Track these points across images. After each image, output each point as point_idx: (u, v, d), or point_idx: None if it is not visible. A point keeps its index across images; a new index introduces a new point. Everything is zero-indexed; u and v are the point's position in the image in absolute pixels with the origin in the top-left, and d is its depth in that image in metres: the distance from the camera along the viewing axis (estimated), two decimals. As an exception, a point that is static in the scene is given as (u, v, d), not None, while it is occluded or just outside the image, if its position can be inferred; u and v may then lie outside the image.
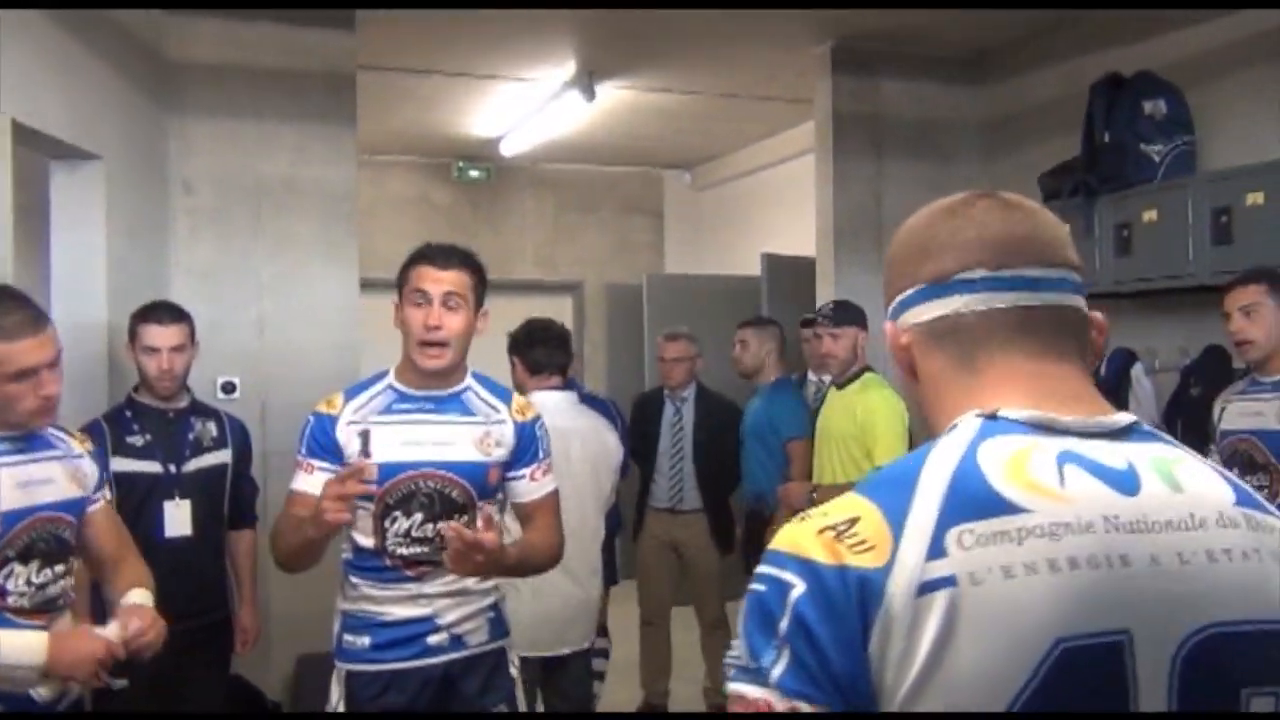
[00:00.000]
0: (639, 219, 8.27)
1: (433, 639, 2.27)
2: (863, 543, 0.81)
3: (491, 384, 2.41)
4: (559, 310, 8.14)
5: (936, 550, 0.79)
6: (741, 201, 7.62)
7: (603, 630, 4.29)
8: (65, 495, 2.10)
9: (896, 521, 0.81)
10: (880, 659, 0.78)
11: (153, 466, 3.09)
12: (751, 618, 0.82)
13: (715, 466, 4.57)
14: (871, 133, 5.15)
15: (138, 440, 3.10)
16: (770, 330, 4.71)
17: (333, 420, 2.28)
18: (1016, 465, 0.83)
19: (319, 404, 2.35)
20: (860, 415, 3.71)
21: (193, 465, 3.19)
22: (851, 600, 0.79)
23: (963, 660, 0.77)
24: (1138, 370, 4.20)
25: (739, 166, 7.51)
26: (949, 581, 0.78)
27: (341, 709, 2.29)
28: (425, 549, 2.23)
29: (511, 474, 2.34)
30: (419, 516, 2.23)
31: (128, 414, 3.16)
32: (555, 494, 2.41)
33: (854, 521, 0.82)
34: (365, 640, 2.28)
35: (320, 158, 4.36)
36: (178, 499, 3.13)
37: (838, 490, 3.83)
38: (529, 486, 2.35)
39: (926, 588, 0.78)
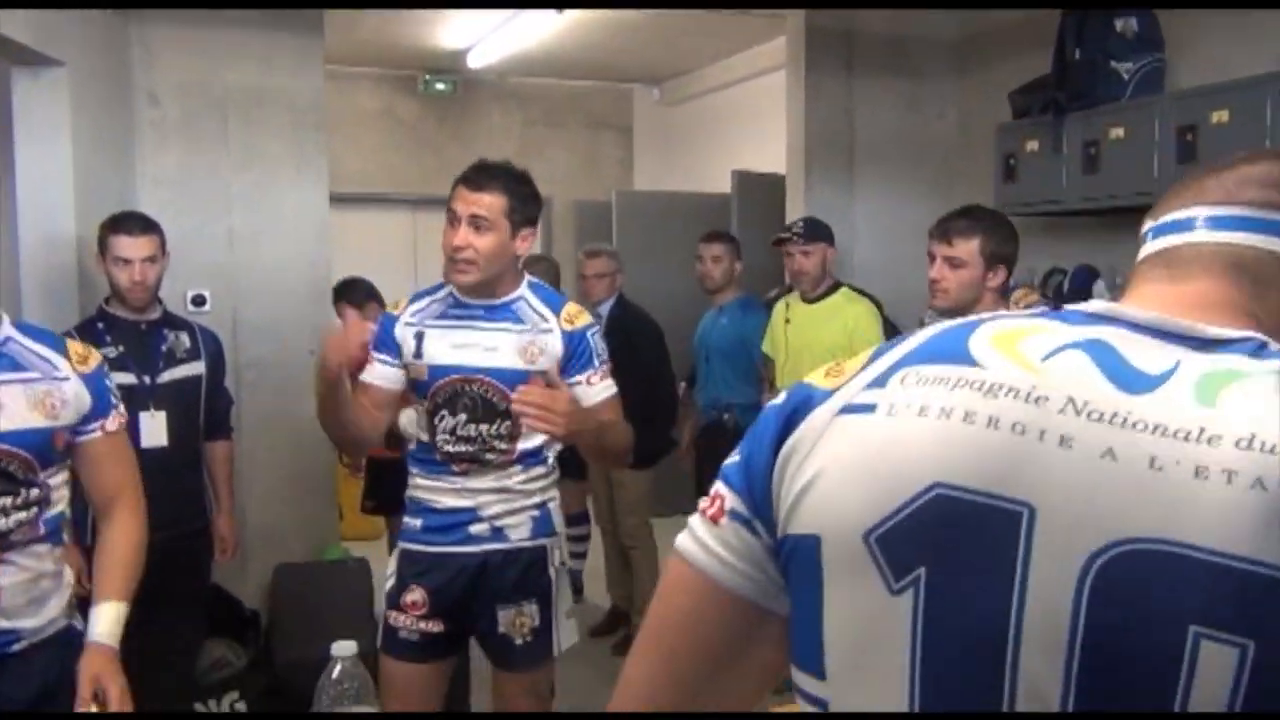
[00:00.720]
0: (608, 134, 8.21)
1: (474, 528, 2.42)
2: (840, 370, 0.84)
3: (546, 292, 2.49)
4: (527, 227, 8.13)
5: (879, 382, 0.80)
6: (712, 118, 7.57)
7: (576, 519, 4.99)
8: (16, 425, 1.83)
9: (874, 357, 0.83)
10: (783, 467, 0.81)
11: (127, 378, 3.09)
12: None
13: (629, 382, 4.43)
14: (843, 49, 5.13)
15: (111, 352, 3.09)
16: (735, 246, 4.79)
17: (394, 319, 2.46)
18: (1010, 337, 0.79)
19: (388, 305, 2.58)
20: (849, 326, 3.85)
21: (167, 376, 3.20)
22: (788, 410, 0.83)
23: (842, 482, 0.78)
24: (1099, 287, 4.29)
25: (709, 82, 7.45)
26: (868, 408, 0.79)
27: (391, 582, 2.49)
28: (470, 447, 2.39)
29: (568, 381, 2.38)
30: (463, 417, 2.37)
31: (100, 326, 3.15)
32: (617, 397, 2.47)
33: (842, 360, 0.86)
34: (418, 523, 2.47)
35: (287, 68, 4.29)
36: (153, 410, 3.15)
37: None
38: (586, 391, 2.39)
39: (847, 409, 0.80)
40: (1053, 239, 4.67)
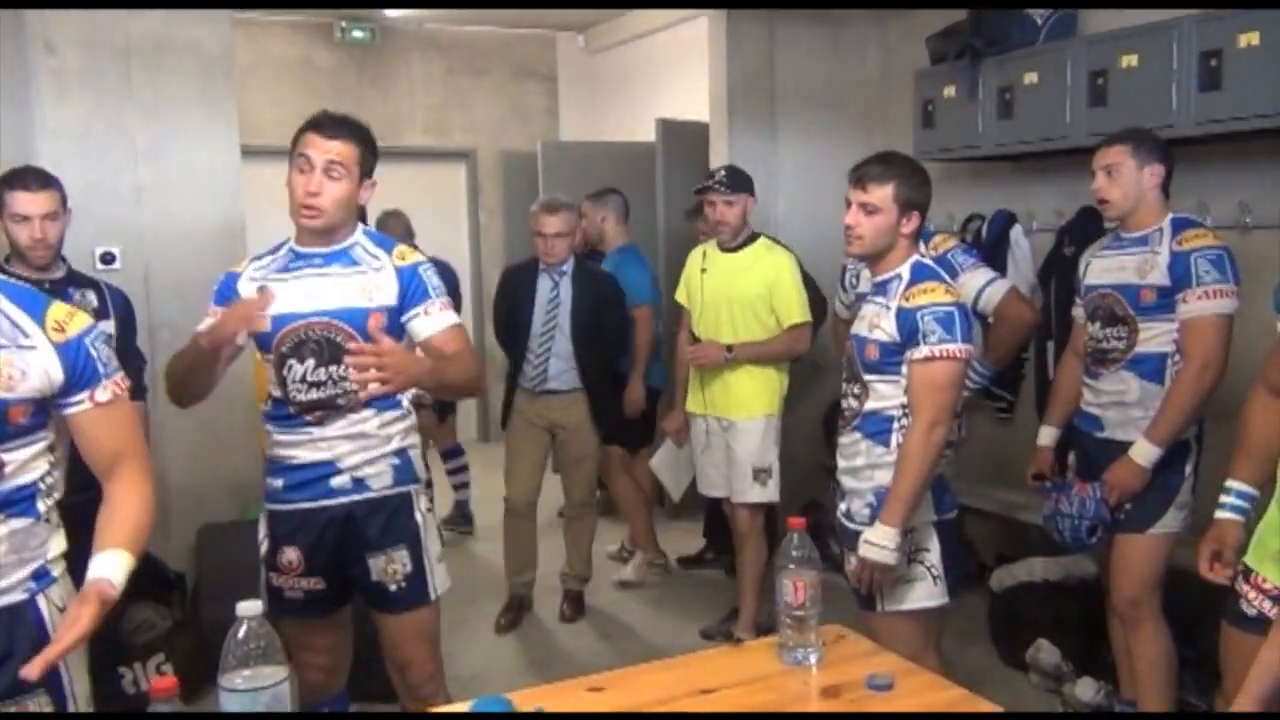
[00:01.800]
0: (532, 83, 8.09)
1: (335, 481, 2.45)
2: None
3: (378, 237, 2.55)
4: (452, 179, 8.01)
5: None
6: (636, 65, 7.50)
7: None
8: None
9: None
10: None
11: (32, 339, 2.99)
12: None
13: (597, 343, 4.37)
14: (764, 7, 5.10)
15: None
16: (607, 200, 4.92)
17: (236, 275, 2.51)
18: None
19: (231, 264, 2.60)
20: (769, 276, 3.91)
21: (74, 337, 3.11)
22: None
23: None
24: (1016, 231, 4.37)
25: (634, 29, 7.37)
26: None
27: (265, 546, 2.52)
28: (321, 393, 2.41)
29: (405, 316, 2.45)
30: (311, 362, 2.40)
31: (1, 286, 3.04)
32: (457, 326, 2.50)
33: None
34: (279, 483, 2.49)
35: (193, 16, 4.15)
36: (61, 371, 3.06)
37: (754, 348, 3.84)
38: (426, 322, 2.45)
39: None
40: (971, 184, 4.74)
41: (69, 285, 3.15)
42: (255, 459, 4.49)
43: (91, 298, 3.19)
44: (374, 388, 2.28)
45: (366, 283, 2.42)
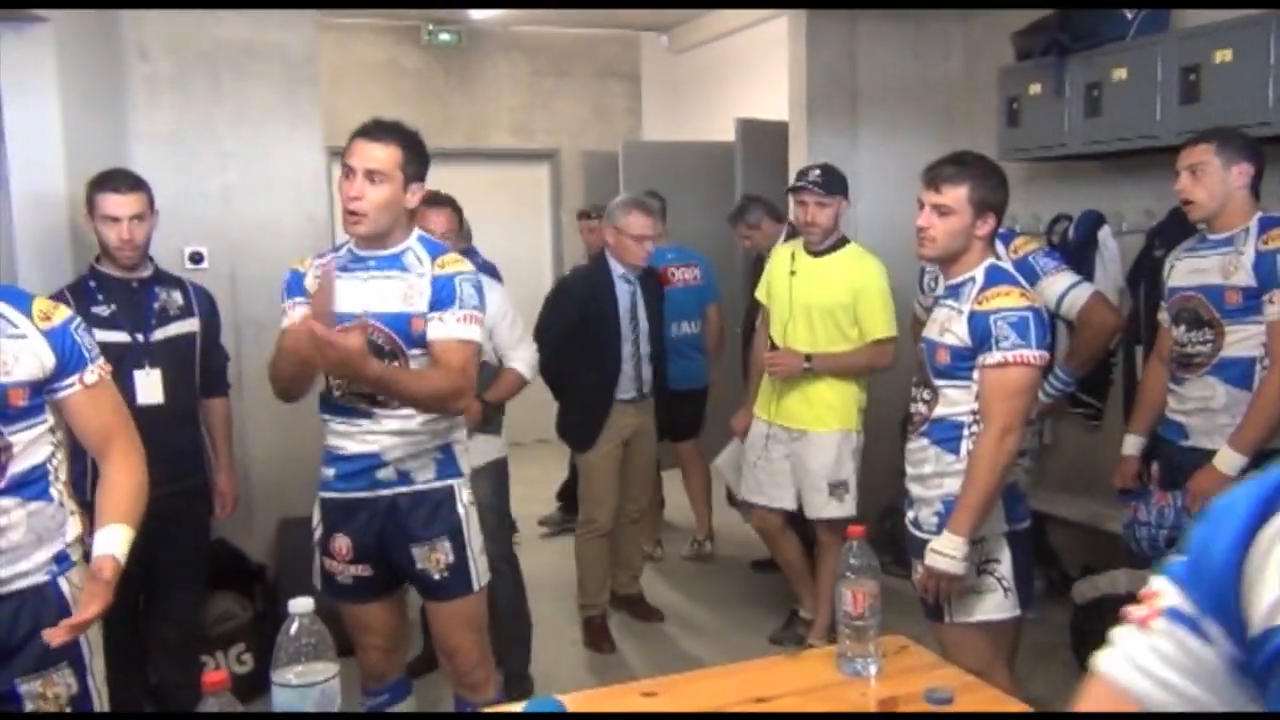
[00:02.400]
0: (616, 84, 8.11)
1: (381, 473, 2.54)
2: None
3: (431, 244, 2.59)
4: (536, 179, 8.09)
5: None
6: (718, 65, 7.47)
7: None
8: None
9: None
10: (1268, 552, 0.65)
11: (120, 336, 3.11)
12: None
13: (659, 347, 4.34)
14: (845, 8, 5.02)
15: (103, 310, 3.11)
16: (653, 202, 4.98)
17: (301, 275, 2.60)
18: None
19: (293, 262, 2.66)
20: (857, 284, 3.75)
21: (160, 334, 3.22)
22: (1267, 491, 0.68)
23: None
24: (1104, 233, 4.23)
25: (715, 28, 7.33)
26: None
27: (319, 534, 2.62)
28: (363, 388, 2.47)
29: (428, 319, 2.50)
30: None
31: (92, 284, 3.16)
32: (464, 342, 2.48)
33: None
34: (331, 472, 2.59)
35: (279, 21, 4.25)
36: (148, 368, 3.17)
37: (834, 360, 3.68)
38: (438, 327, 2.49)
39: None
40: (1057, 184, 4.61)
41: (156, 284, 3.26)
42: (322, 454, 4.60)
43: (177, 296, 3.29)
44: (316, 359, 2.28)
45: (409, 288, 2.49)
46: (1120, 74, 3.88)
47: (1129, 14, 3.92)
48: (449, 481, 2.60)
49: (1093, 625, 3.78)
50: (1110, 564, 3.94)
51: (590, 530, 4.29)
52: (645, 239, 4.07)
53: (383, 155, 2.43)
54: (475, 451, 3.61)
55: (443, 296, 2.48)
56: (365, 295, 2.48)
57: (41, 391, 1.99)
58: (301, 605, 1.53)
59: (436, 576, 2.57)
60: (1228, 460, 2.73)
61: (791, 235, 4.76)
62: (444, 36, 7.54)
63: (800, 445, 3.85)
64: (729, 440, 4.32)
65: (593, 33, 7.94)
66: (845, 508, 3.82)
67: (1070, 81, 4.11)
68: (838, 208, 3.78)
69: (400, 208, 2.48)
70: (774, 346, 3.88)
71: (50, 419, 2.04)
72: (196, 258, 4.12)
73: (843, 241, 3.85)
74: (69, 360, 2.00)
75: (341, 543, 2.57)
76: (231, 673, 3.54)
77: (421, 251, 2.54)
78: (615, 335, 4.12)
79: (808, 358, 3.76)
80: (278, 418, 4.25)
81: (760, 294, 4.07)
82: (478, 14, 7.04)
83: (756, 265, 4.76)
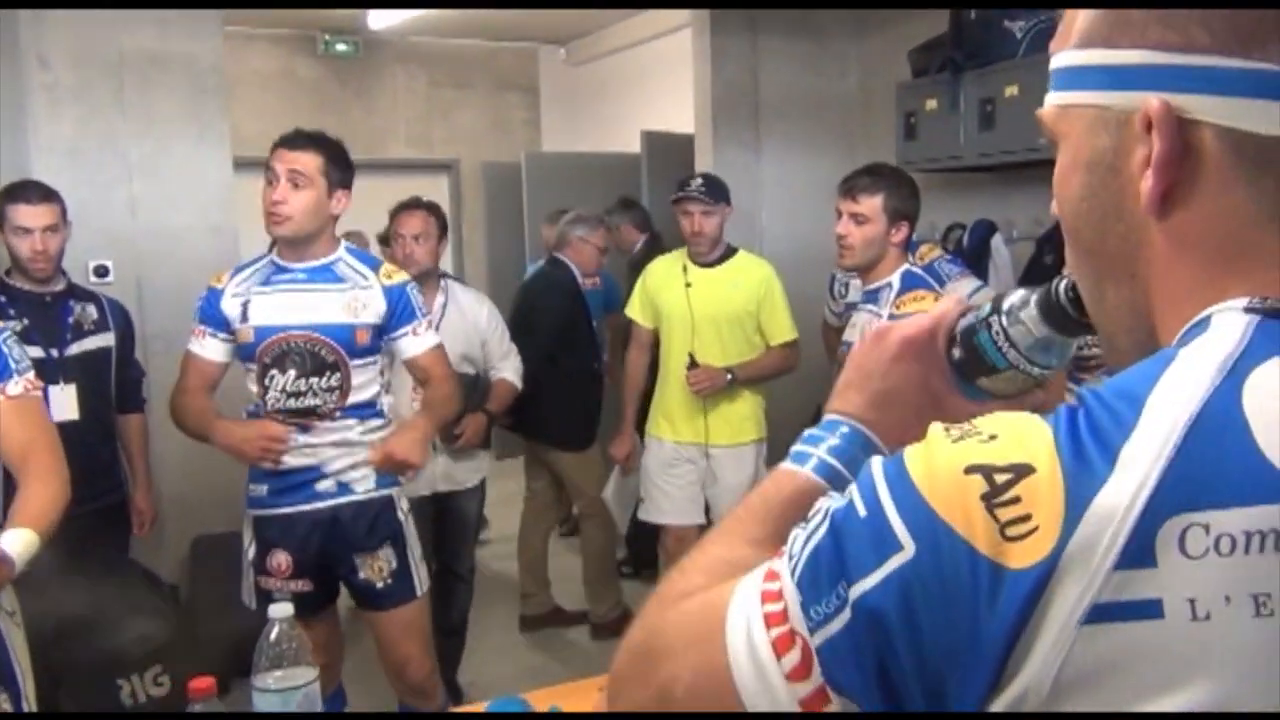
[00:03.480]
0: (514, 95, 8.15)
1: (320, 485, 2.55)
2: (1024, 519, 0.52)
3: (362, 255, 2.65)
4: (434, 190, 8.04)
5: (1140, 551, 0.50)
6: (618, 78, 7.58)
7: None
8: None
9: (1082, 491, 0.51)
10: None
11: (34, 351, 3.00)
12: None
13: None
14: (748, 8, 5.18)
15: (15, 325, 3.02)
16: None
17: (219, 294, 2.59)
18: None
19: (211, 278, 2.65)
20: (758, 291, 3.70)
21: (75, 349, 3.14)
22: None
23: None
24: (997, 240, 4.46)
25: (614, 41, 7.45)
26: (1148, 608, 0.49)
27: (252, 552, 2.60)
28: (301, 402, 2.50)
29: (392, 335, 2.56)
30: (292, 373, 2.49)
31: (2, 299, 3.08)
32: (440, 347, 2.63)
33: (1021, 475, 0.53)
34: (264, 488, 2.57)
35: (185, 30, 4.17)
36: (62, 383, 3.09)
37: (751, 368, 3.65)
38: (413, 342, 2.57)
39: (1102, 614, 0.50)
40: (952, 195, 4.83)
41: (69, 298, 3.18)
42: (247, 470, 4.52)
43: (92, 310, 3.22)
44: (410, 474, 2.52)
45: (352, 300, 2.51)
46: (1012, 90, 4.11)
47: (1018, 33, 4.15)
48: (387, 491, 2.62)
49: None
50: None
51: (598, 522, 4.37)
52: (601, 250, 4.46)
53: (305, 159, 2.46)
54: (470, 469, 3.69)
55: (402, 309, 2.53)
56: (302, 307, 2.48)
57: None
58: (281, 610, 1.54)
59: (380, 585, 2.59)
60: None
61: (651, 248, 4.96)
62: (340, 47, 7.46)
63: (717, 461, 3.76)
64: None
65: (491, 44, 7.96)
66: None
67: (965, 97, 4.32)
68: (723, 216, 3.71)
69: (325, 214, 2.50)
70: (693, 364, 3.68)
71: None
72: (102, 271, 4.01)
73: (732, 250, 3.81)
74: None
75: (280, 559, 2.56)
76: (148, 695, 3.46)
77: (355, 262, 2.57)
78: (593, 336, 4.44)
79: (729, 370, 3.67)
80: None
81: (634, 312, 3.91)
82: (375, 25, 6.99)
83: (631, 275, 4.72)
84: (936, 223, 4.76)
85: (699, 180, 3.77)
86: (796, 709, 0.57)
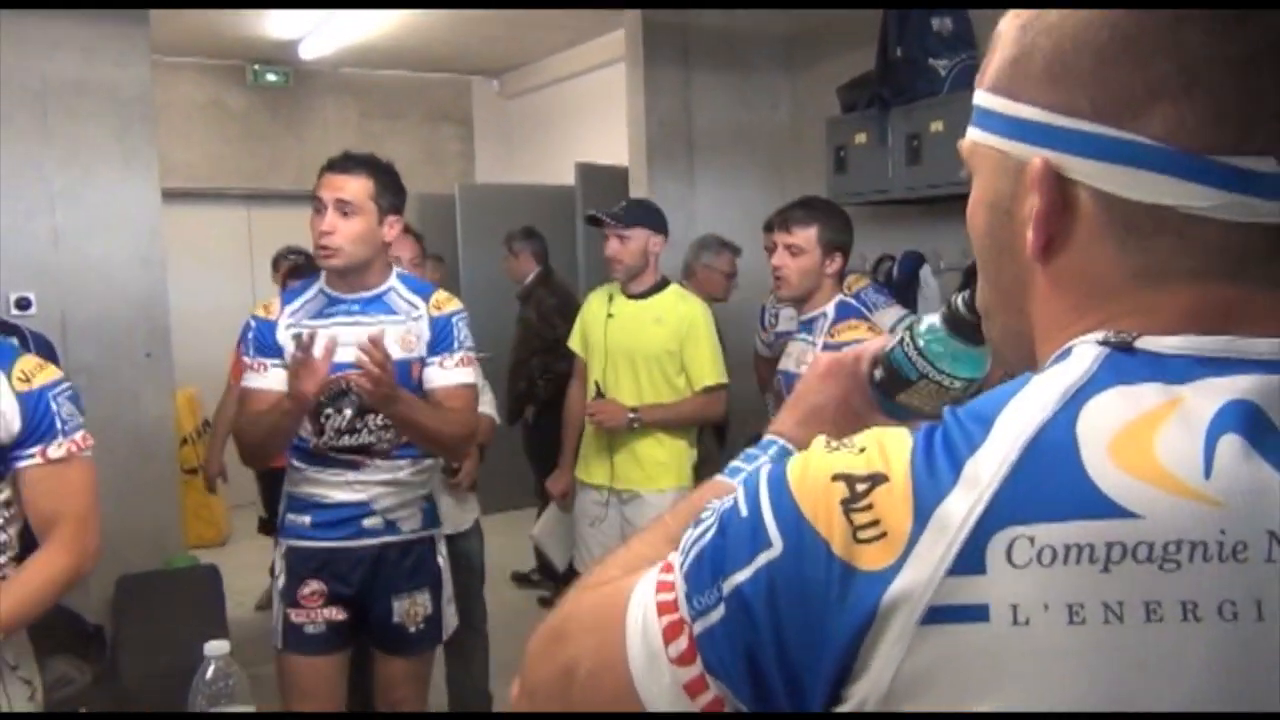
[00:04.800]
0: (447, 127, 8.14)
1: (367, 522, 2.46)
2: (874, 524, 0.56)
3: (414, 282, 2.53)
4: (367, 221, 7.99)
5: (971, 558, 0.54)
6: (552, 110, 7.61)
7: None
8: None
9: (927, 501, 0.56)
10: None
11: (-49, 386, 2.93)
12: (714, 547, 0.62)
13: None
14: (679, 43, 5.26)
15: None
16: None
17: (272, 325, 2.45)
18: (1135, 437, 0.55)
19: (256, 309, 2.52)
20: (682, 329, 3.36)
21: (-5, 384, 3.05)
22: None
23: None
24: (925, 271, 4.57)
25: (548, 74, 7.48)
26: (976, 612, 0.53)
27: (282, 582, 2.48)
28: (357, 439, 2.42)
29: (427, 362, 2.44)
30: (349, 412, 2.40)
31: (-82, 332, 2.97)
32: (467, 386, 2.48)
33: (876, 484, 0.57)
34: (306, 519, 2.48)
35: (112, 58, 4.11)
36: (-19, 419, 2.99)
37: (661, 411, 3.39)
38: (437, 373, 2.44)
39: (936, 615, 0.54)
40: (881, 227, 4.93)
41: (-11, 331, 3.09)
42: (175, 507, 4.42)
43: (14, 344, 3.13)
44: (364, 381, 2.24)
45: (406, 333, 2.41)
46: (937, 126, 4.22)
47: (942, 71, 4.28)
48: (431, 531, 2.57)
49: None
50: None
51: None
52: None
53: (354, 186, 2.34)
54: (465, 510, 3.54)
55: (441, 339, 2.43)
56: (356, 343, 2.28)
57: (5, 458, 1.76)
58: (217, 648, 1.51)
59: (412, 630, 2.51)
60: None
61: (540, 281, 5.14)
62: (270, 77, 7.38)
63: (632, 509, 3.38)
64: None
65: (423, 76, 7.95)
66: None
67: (892, 132, 4.43)
68: (644, 243, 3.35)
69: (377, 241, 2.39)
70: (600, 394, 3.42)
71: (7, 491, 1.78)
72: (24, 303, 3.91)
73: (664, 283, 3.46)
74: (37, 428, 1.76)
75: (315, 587, 2.45)
76: (72, 740, 3.35)
77: (407, 291, 2.47)
78: None
79: (633, 410, 3.33)
80: (113, 470, 4.07)
81: (574, 343, 3.62)
82: (305, 55, 6.94)
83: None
84: (867, 254, 4.86)
85: (622, 203, 3.57)
86: (681, 692, 0.62)
